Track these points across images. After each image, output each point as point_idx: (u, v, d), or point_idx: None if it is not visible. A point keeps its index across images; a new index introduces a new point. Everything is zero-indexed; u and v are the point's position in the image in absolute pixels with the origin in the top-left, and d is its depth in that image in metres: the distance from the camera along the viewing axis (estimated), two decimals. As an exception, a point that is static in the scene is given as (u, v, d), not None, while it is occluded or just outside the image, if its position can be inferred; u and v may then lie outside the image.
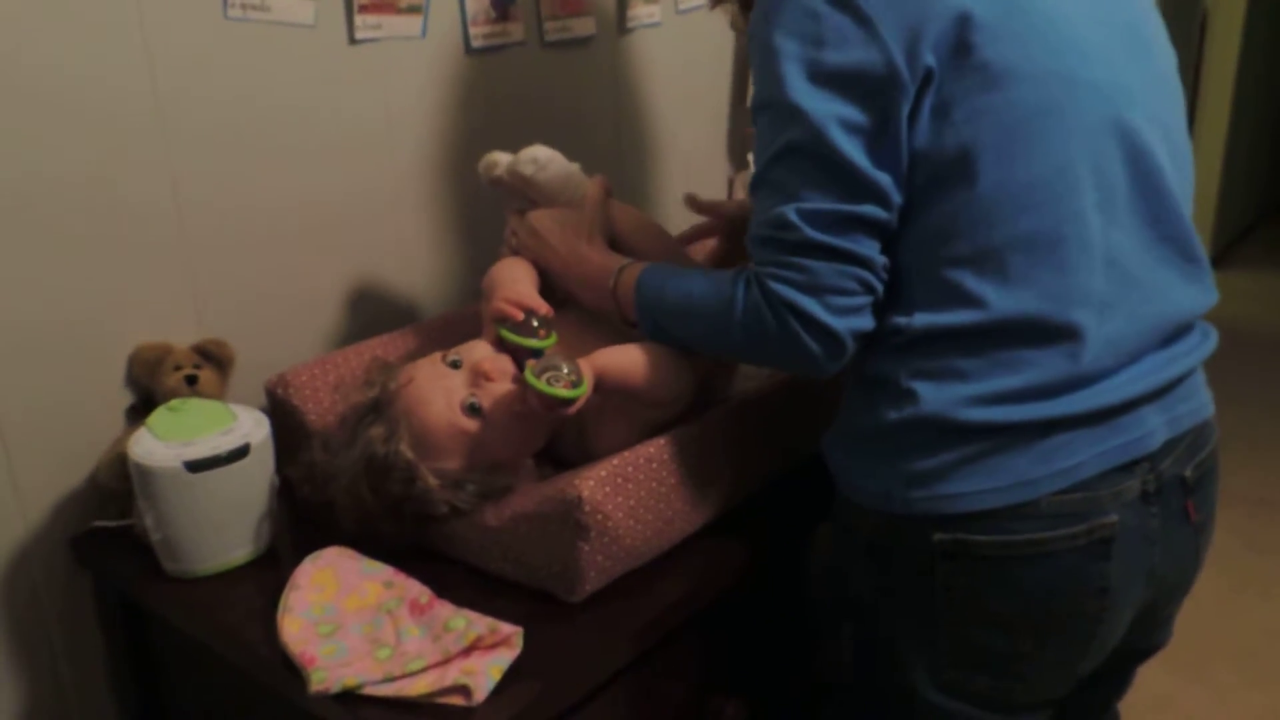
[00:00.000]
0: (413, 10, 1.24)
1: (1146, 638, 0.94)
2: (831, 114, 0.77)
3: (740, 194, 1.76)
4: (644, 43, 1.56)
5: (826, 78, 0.77)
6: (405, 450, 0.89)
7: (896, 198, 0.79)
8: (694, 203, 1.16)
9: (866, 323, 0.81)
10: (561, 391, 0.87)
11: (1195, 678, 1.94)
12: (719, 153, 1.76)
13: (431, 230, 1.33)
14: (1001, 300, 0.78)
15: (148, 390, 1.06)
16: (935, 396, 0.80)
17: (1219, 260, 4.34)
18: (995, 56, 0.76)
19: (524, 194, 1.08)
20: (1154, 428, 0.83)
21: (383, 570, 0.89)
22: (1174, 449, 0.85)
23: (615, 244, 1.07)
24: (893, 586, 0.87)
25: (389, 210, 1.28)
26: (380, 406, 0.92)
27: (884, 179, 0.78)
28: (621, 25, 1.53)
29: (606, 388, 0.92)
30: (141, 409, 1.06)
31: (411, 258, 1.32)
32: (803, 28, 0.77)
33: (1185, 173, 0.88)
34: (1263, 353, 3.47)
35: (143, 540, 0.96)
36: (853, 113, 0.76)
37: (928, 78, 0.76)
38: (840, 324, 0.79)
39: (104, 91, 1.00)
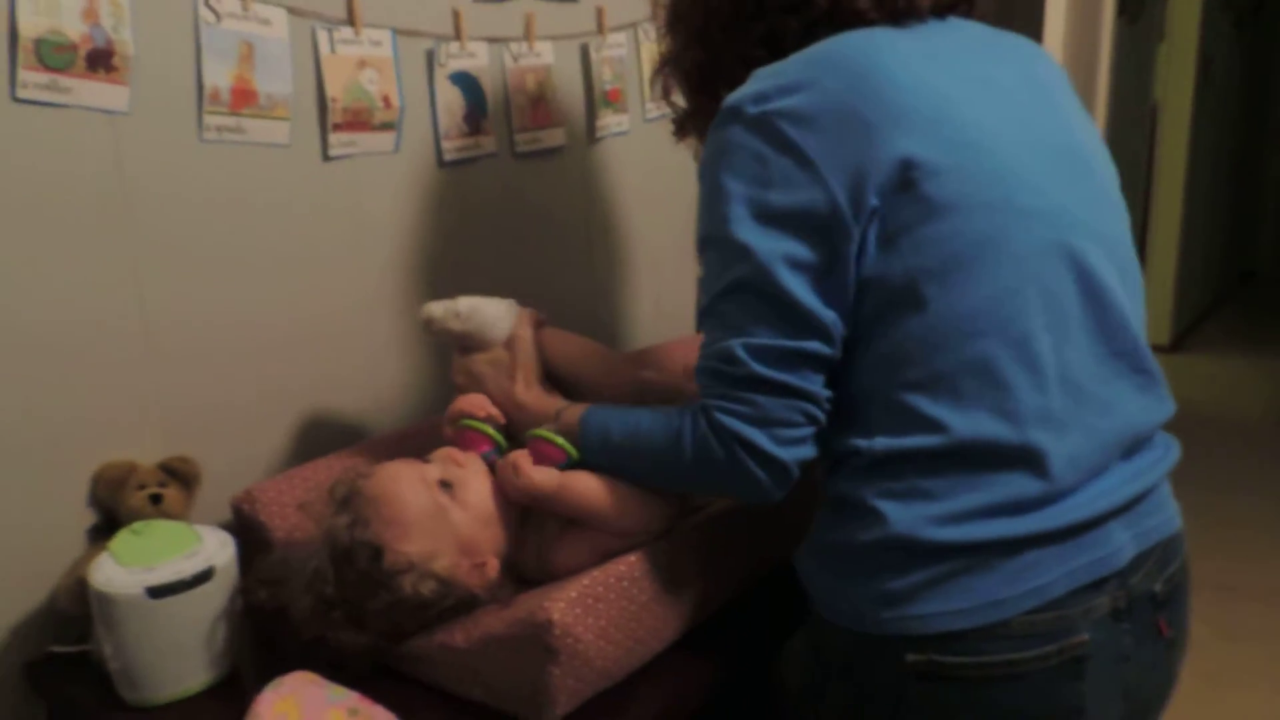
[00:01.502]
0: (386, 127, 1.26)
1: None
2: (778, 252, 0.79)
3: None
4: (613, 151, 1.61)
5: (772, 217, 0.80)
6: (370, 534, 0.91)
7: (840, 331, 0.81)
8: None
9: (810, 451, 0.84)
10: (553, 436, 0.95)
11: (1174, 773, 1.92)
12: (688, 256, 1.79)
13: (402, 342, 1.34)
14: (958, 423, 0.79)
15: (111, 510, 1.05)
16: (902, 516, 0.81)
17: (1178, 344, 4.43)
18: (937, 191, 0.79)
19: (460, 340, 1.11)
20: (1122, 544, 0.83)
21: (348, 697, 0.87)
22: (1143, 564, 0.85)
23: (554, 373, 1.10)
24: (865, 707, 0.86)
25: (360, 323, 1.29)
26: (346, 500, 0.94)
27: (829, 315, 0.80)
28: (591, 135, 1.57)
29: (569, 508, 0.94)
30: (104, 528, 1.04)
31: (382, 369, 1.32)
32: (749, 169, 0.81)
33: (1133, 287, 0.90)
34: (1224, 435, 3.52)
35: (101, 667, 0.94)
36: (799, 251, 0.79)
37: (872, 215, 0.79)
38: (786, 454, 0.82)
39: (73, 204, 1.01)
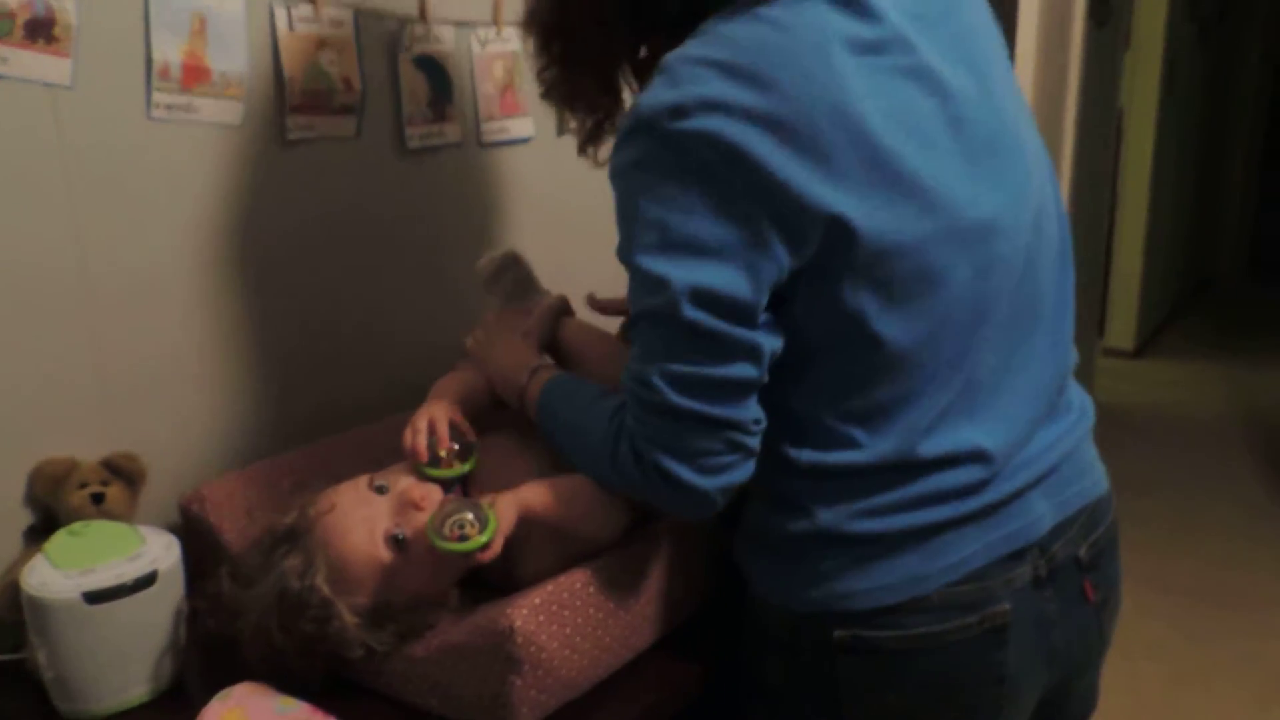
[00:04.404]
0: (346, 111, 1.21)
1: (1061, 712, 0.95)
2: (693, 282, 0.74)
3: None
4: (583, 142, 1.56)
5: (688, 246, 0.74)
6: (321, 585, 0.84)
7: (770, 349, 0.78)
8: (595, 303, 1.15)
9: (738, 476, 0.81)
10: (469, 545, 0.85)
11: (1142, 778, 1.92)
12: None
13: (364, 333, 1.29)
14: (885, 445, 0.81)
15: (49, 509, 0.99)
16: (828, 513, 0.83)
17: (1143, 350, 4.47)
18: (870, 238, 0.75)
19: (493, 295, 1.13)
20: (1041, 514, 0.85)
21: (298, 708, 0.83)
22: (1065, 532, 0.87)
23: (561, 356, 1.07)
24: (798, 682, 0.88)
25: (320, 313, 1.24)
26: (297, 534, 0.88)
27: (753, 337, 0.76)
28: (560, 126, 1.52)
29: (534, 522, 0.90)
30: (42, 529, 0.99)
31: (343, 362, 1.27)
32: (664, 192, 0.74)
33: (1066, 259, 0.90)
34: (1191, 440, 3.54)
35: (35, 676, 0.88)
36: (716, 280, 0.74)
37: (803, 256, 0.75)
38: (708, 483, 0.80)
39: (8, 181, 0.96)
